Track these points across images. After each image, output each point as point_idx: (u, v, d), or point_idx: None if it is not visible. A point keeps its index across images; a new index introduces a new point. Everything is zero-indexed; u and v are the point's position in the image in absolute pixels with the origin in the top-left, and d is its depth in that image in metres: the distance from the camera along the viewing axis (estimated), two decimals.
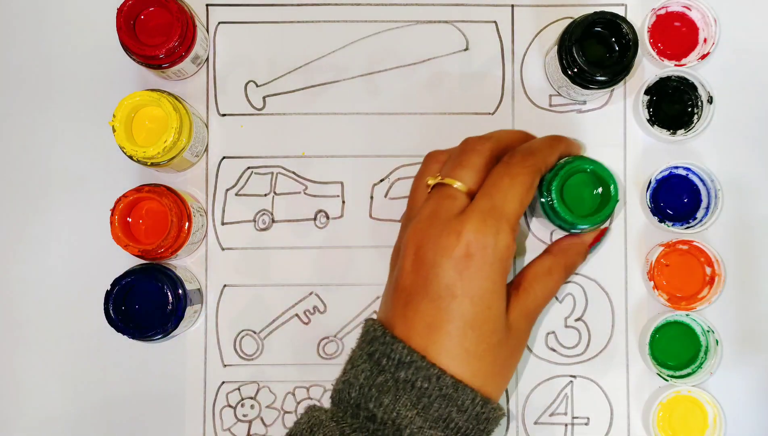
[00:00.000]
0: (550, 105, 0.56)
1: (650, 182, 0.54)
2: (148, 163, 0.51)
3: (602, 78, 0.50)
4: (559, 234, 0.55)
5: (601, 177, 0.49)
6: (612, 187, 0.48)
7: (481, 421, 0.43)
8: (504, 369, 0.46)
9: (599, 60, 0.51)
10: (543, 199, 0.49)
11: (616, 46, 0.51)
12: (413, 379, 0.42)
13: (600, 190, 0.50)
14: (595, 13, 0.50)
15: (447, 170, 0.47)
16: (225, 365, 0.55)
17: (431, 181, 0.47)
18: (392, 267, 0.49)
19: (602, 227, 0.52)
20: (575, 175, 0.49)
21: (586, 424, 0.55)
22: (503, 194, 0.45)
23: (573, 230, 0.51)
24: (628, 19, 0.53)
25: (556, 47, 0.51)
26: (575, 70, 0.51)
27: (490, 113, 0.56)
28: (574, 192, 0.49)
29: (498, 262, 0.44)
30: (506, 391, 0.55)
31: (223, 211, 0.56)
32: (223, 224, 0.56)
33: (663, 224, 0.54)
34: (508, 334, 0.45)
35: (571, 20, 0.51)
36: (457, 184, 0.46)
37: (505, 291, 0.45)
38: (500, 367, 0.45)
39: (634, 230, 0.56)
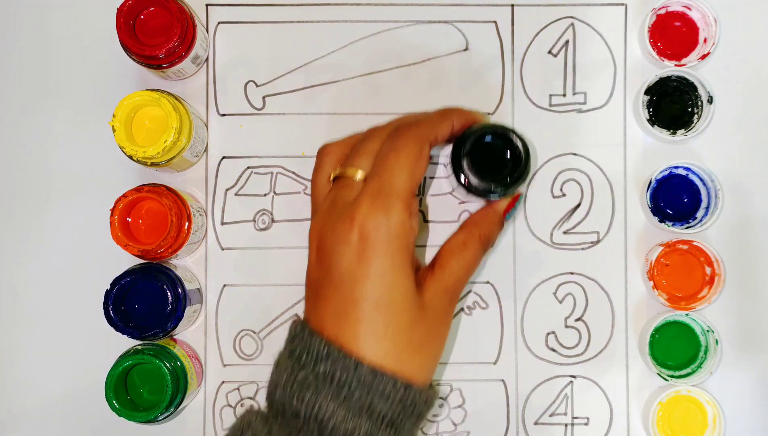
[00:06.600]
0: (550, 105, 0.56)
1: (650, 182, 0.54)
2: (148, 163, 0.51)
3: (494, 192, 0.49)
4: (560, 232, 0.56)
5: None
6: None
7: (408, 406, 0.43)
8: (423, 349, 0.45)
9: (494, 168, 0.49)
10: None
11: (509, 157, 0.49)
12: (332, 371, 0.42)
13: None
14: (486, 126, 0.49)
15: (348, 161, 0.47)
16: (225, 365, 0.55)
17: (333, 175, 0.47)
18: None
19: (515, 193, 0.50)
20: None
21: (586, 424, 0.55)
22: (390, 171, 0.44)
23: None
24: (627, 19, 0.53)
25: (450, 156, 0.50)
26: (468, 182, 0.49)
27: (489, 113, 0.56)
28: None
29: (394, 239, 0.43)
30: (506, 391, 0.55)
31: (223, 211, 0.56)
32: (222, 223, 0.56)
33: (663, 223, 0.54)
34: (422, 313, 0.44)
35: (468, 129, 0.49)
36: (354, 173, 0.46)
37: (411, 269, 0.44)
38: (417, 346, 0.44)
39: (634, 229, 0.56)
